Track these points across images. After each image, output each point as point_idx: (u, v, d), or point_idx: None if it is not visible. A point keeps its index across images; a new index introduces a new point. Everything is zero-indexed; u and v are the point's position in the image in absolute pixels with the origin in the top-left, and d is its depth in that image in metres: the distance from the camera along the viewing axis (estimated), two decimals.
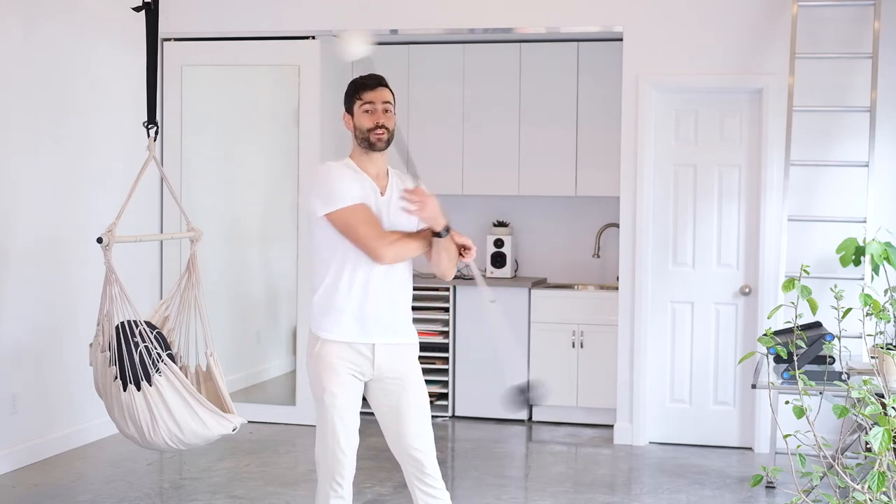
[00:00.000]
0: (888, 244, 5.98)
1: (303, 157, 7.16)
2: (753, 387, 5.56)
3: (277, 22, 7.17)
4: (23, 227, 6.13)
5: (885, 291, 5.41)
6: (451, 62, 7.68)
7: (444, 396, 7.46)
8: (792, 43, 6.32)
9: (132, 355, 4.83)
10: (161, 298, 6.90)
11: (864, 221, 6.22)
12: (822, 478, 3.50)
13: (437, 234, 3.94)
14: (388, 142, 3.98)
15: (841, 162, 6.45)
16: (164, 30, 6.77)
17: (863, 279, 6.12)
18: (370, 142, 3.96)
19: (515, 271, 7.86)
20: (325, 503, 3.97)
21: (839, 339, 3.79)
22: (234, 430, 5.02)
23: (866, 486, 3.15)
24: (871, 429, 3.12)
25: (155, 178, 6.94)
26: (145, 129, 5.43)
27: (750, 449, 6.72)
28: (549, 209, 7.89)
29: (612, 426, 7.03)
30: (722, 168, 6.77)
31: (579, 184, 7.53)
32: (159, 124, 6.65)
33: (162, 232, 7.29)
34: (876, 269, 6.01)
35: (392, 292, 3.97)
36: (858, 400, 3.35)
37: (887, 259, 5.93)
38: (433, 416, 5.24)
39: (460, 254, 4.03)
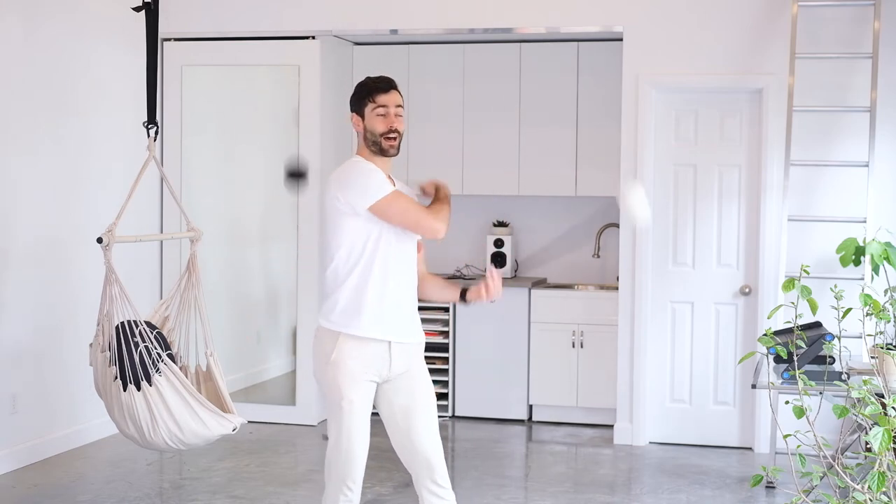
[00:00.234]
0: (888, 244, 5.98)
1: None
2: (753, 387, 5.56)
3: (277, 22, 7.17)
4: (23, 227, 6.13)
5: (885, 291, 5.41)
6: (451, 62, 7.68)
7: (444, 396, 7.46)
8: (792, 43, 6.32)
9: (132, 355, 4.83)
10: (161, 298, 6.90)
11: (864, 221, 6.22)
12: (822, 478, 3.50)
13: (462, 299, 4.07)
14: (399, 147, 3.99)
15: (841, 162, 6.45)
16: (164, 30, 6.78)
17: (863, 279, 6.12)
18: (382, 147, 3.95)
19: (515, 271, 7.86)
20: None
21: (839, 339, 3.79)
22: (234, 430, 5.01)
23: (866, 486, 3.15)
24: (871, 429, 3.12)
25: (155, 178, 6.94)
26: (145, 129, 5.43)
27: (750, 449, 6.72)
28: (549, 209, 7.88)
29: (612, 426, 7.03)
30: (722, 168, 6.77)
31: (579, 184, 7.53)
32: (159, 124, 6.65)
33: (162, 232, 7.29)
34: (876, 269, 6.01)
35: (407, 290, 3.99)
36: (858, 400, 3.35)
37: (887, 259, 5.93)
38: None
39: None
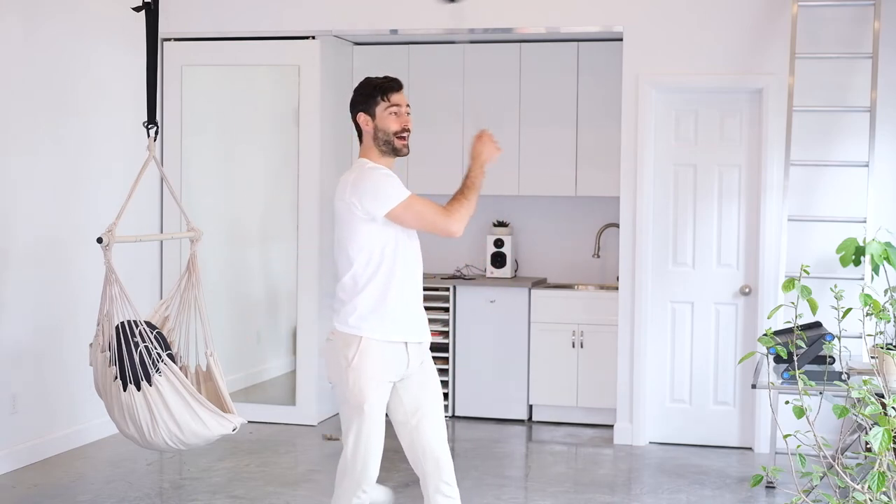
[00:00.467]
0: (888, 244, 5.98)
1: (303, 157, 7.16)
2: (753, 387, 5.55)
3: (277, 22, 7.17)
4: (23, 227, 6.13)
5: (885, 291, 5.41)
6: (451, 62, 7.68)
7: (444, 396, 7.44)
8: (792, 43, 6.32)
9: (132, 355, 4.83)
10: (161, 298, 6.90)
11: (864, 221, 6.22)
12: (822, 478, 3.49)
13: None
14: (409, 147, 4.00)
15: (841, 162, 6.45)
16: (164, 30, 6.78)
17: (863, 279, 6.12)
18: (395, 146, 3.94)
19: (515, 271, 7.86)
20: None
21: (839, 339, 3.79)
22: (234, 430, 5.01)
23: (866, 486, 3.15)
24: (871, 429, 3.11)
25: (155, 178, 6.94)
26: (145, 129, 5.43)
27: (750, 449, 6.72)
28: (549, 209, 7.88)
29: (612, 426, 7.03)
30: (722, 168, 6.77)
31: (579, 184, 7.53)
32: (159, 124, 6.65)
33: (162, 232, 7.29)
34: (876, 269, 6.01)
35: (418, 289, 4.03)
36: (858, 400, 3.34)
37: (887, 259, 5.93)
38: None
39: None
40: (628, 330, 6.84)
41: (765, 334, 3.60)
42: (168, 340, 5.11)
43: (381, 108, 3.93)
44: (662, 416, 6.89)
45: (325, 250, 7.17)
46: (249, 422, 6.29)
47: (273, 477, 5.99)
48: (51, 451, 6.32)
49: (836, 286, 3.83)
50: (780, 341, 3.62)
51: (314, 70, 7.13)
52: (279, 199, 7.55)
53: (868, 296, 3.74)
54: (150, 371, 4.82)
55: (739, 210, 6.74)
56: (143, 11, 5.50)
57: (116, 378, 4.85)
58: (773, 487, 5.82)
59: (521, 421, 7.40)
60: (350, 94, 4.10)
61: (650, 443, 6.88)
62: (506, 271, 7.71)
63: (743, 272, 6.75)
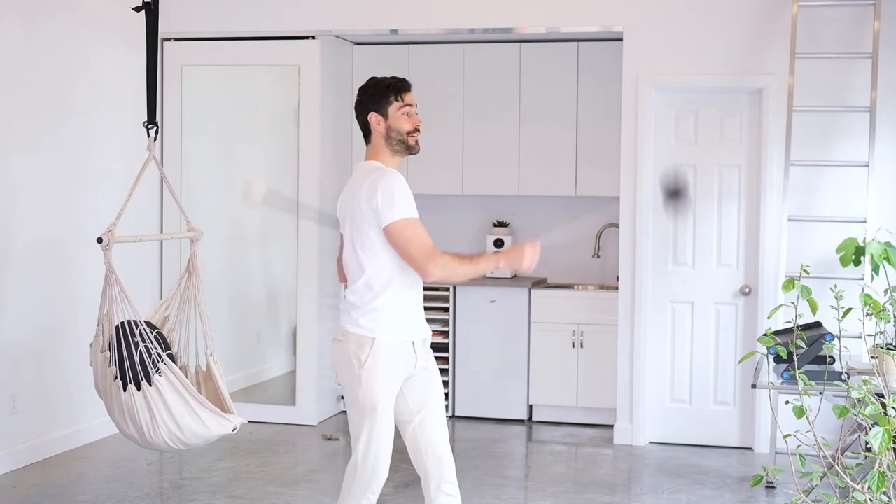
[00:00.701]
0: (888, 244, 5.98)
1: (303, 157, 7.16)
2: (753, 387, 5.55)
3: (277, 22, 7.17)
4: (23, 227, 6.13)
5: (885, 291, 5.41)
6: (451, 62, 7.67)
7: (444, 396, 7.45)
8: (792, 43, 6.32)
9: (132, 355, 4.83)
10: (161, 298, 6.90)
11: (864, 221, 6.22)
12: (822, 478, 3.50)
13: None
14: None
15: (841, 162, 6.45)
16: (164, 30, 6.78)
17: (863, 279, 6.12)
18: (408, 145, 3.95)
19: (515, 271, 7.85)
20: None
21: (839, 339, 3.80)
22: (234, 430, 5.01)
23: (866, 486, 3.15)
24: (871, 429, 3.12)
25: (155, 178, 6.94)
26: (145, 129, 5.43)
27: (750, 449, 6.72)
28: (549, 209, 7.88)
29: (612, 426, 7.03)
30: (722, 168, 6.77)
31: (579, 184, 7.53)
32: (159, 124, 6.65)
33: (162, 232, 7.29)
34: (876, 269, 6.01)
35: (421, 288, 4.03)
36: (858, 400, 3.35)
37: (887, 259, 5.94)
38: None
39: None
40: (628, 330, 6.84)
41: (765, 334, 3.60)
42: (168, 340, 5.11)
43: (394, 108, 3.93)
44: (662, 416, 6.89)
45: (324, 250, 7.17)
46: (249, 422, 6.29)
47: (273, 477, 6.00)
48: (51, 451, 6.32)
49: (836, 286, 3.84)
50: (780, 341, 3.62)
51: (314, 70, 7.13)
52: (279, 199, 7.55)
53: (868, 296, 3.74)
54: (150, 371, 4.82)
55: (739, 210, 6.74)
56: (143, 11, 5.50)
57: (116, 378, 4.85)
58: (773, 487, 5.82)
59: (521, 421, 7.40)
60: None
61: (650, 443, 6.88)
62: (506, 271, 7.71)
63: (743, 272, 6.75)
